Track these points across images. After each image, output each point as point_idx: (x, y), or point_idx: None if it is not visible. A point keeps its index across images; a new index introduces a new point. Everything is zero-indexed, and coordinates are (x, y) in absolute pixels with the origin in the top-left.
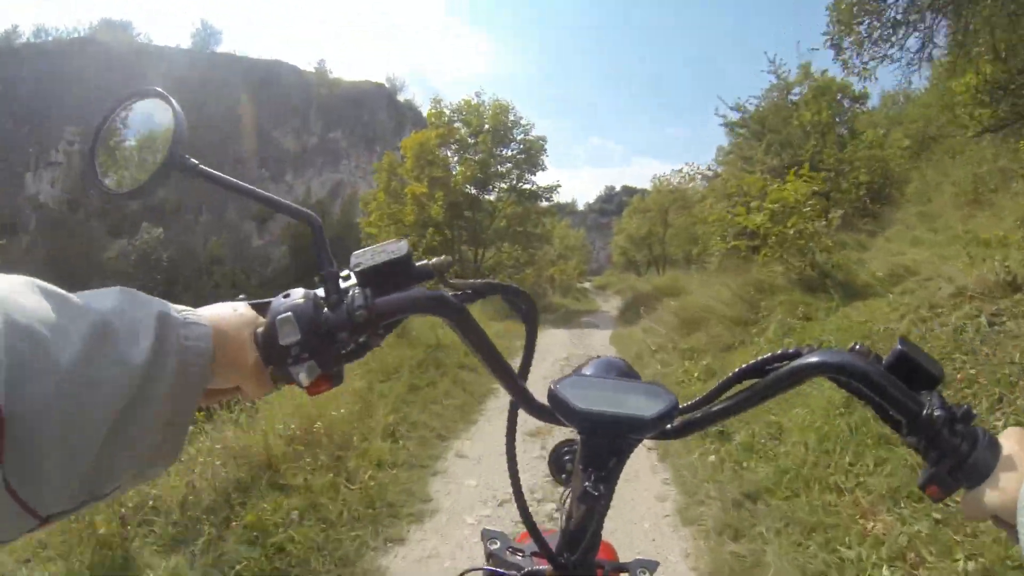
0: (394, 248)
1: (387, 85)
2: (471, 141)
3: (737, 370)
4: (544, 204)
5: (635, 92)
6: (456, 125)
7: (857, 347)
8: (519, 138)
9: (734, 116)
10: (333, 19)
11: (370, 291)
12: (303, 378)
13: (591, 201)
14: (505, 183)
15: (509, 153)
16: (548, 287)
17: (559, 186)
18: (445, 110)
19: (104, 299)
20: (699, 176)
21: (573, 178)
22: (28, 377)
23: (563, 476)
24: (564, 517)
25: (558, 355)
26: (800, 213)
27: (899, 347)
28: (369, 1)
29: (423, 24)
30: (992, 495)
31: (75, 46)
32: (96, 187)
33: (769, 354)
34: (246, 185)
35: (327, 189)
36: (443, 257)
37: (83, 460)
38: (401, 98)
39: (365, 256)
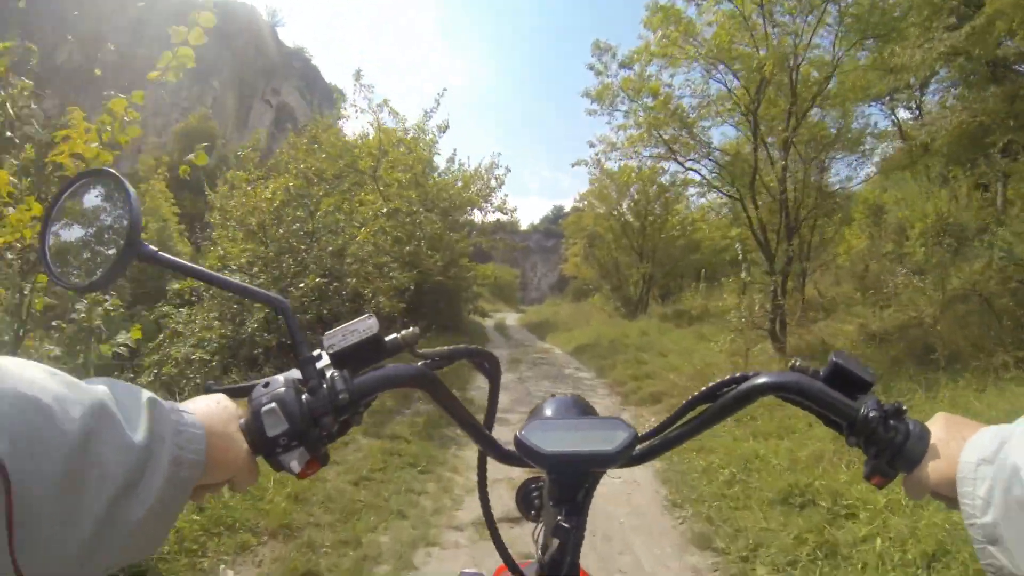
0: (365, 327)
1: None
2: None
3: (691, 398)
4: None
5: (582, 121)
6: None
7: (797, 364)
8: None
9: None
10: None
11: (347, 373)
12: (294, 466)
13: (536, 222)
14: None
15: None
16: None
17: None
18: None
19: (95, 384)
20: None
21: (522, 205)
22: (37, 451)
23: (532, 512)
24: (539, 551)
25: None
26: None
27: (833, 359)
28: None
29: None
30: (927, 475)
31: None
32: (50, 278)
33: (719, 379)
34: (211, 272)
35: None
36: (411, 329)
37: (77, 540)
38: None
39: (336, 337)
